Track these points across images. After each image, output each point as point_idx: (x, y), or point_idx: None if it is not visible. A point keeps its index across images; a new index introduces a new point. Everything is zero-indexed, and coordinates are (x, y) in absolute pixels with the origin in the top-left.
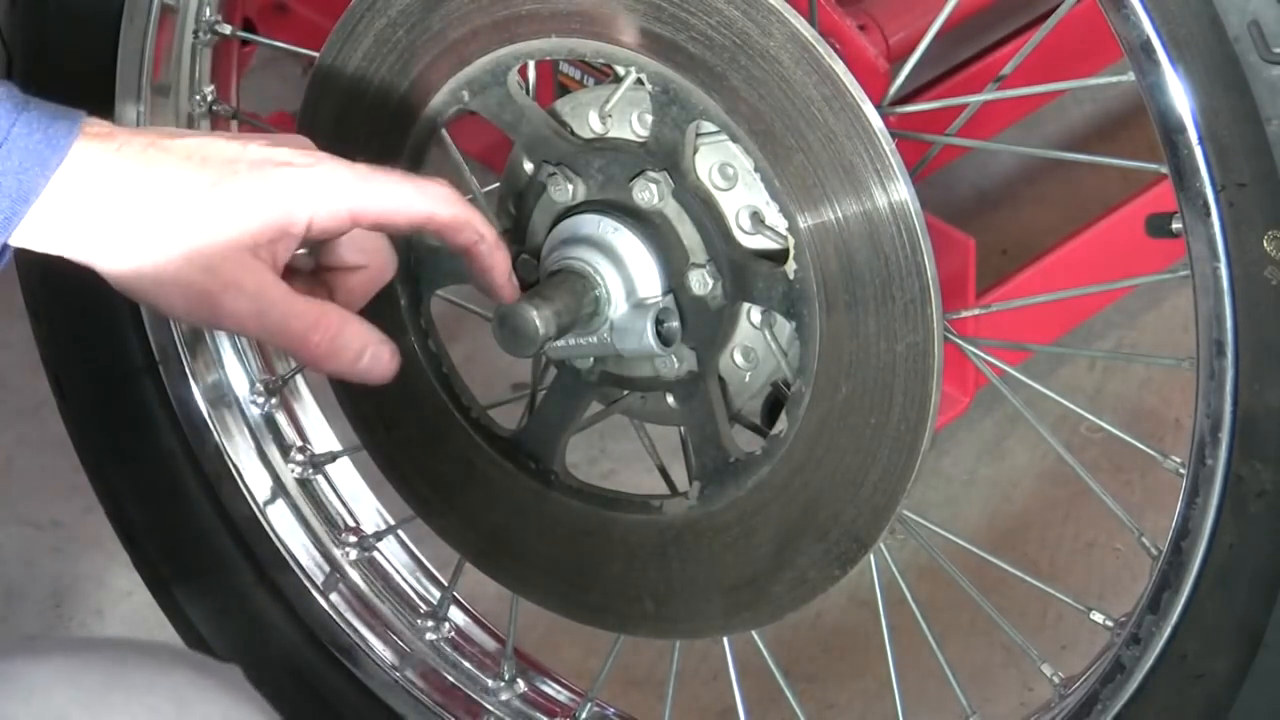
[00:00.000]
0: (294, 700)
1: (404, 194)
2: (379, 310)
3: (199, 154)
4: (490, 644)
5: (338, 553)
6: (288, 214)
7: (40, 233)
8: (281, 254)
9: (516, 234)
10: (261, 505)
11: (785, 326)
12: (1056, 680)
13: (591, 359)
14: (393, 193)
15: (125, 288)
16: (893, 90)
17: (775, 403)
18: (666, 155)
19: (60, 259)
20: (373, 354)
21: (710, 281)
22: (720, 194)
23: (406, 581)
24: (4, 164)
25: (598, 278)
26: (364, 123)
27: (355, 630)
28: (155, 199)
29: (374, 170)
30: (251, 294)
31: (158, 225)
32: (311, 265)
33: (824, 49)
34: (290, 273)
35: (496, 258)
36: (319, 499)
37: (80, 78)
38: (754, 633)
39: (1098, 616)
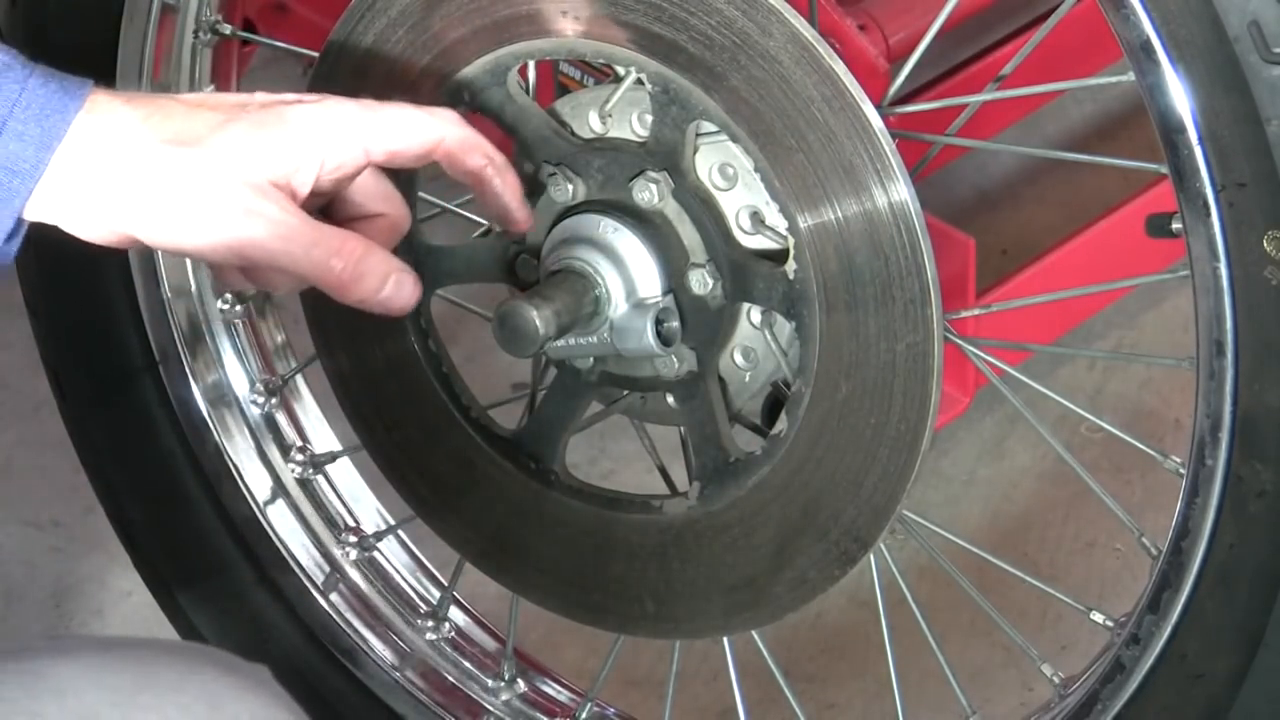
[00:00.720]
0: (295, 700)
1: (412, 118)
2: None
3: (208, 101)
4: (490, 644)
5: (338, 553)
6: (301, 146)
7: (63, 188)
8: (299, 187)
9: (516, 234)
10: (261, 505)
11: (785, 326)
12: (1056, 680)
13: (591, 359)
14: (401, 118)
15: (152, 232)
16: (893, 90)
17: (775, 403)
18: (666, 155)
19: (60, 260)
20: (396, 280)
21: (710, 281)
22: (720, 194)
23: (407, 581)
24: (25, 111)
25: (598, 278)
26: None
27: (355, 630)
28: (170, 141)
29: (380, 102)
30: (274, 220)
31: (174, 166)
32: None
33: (824, 49)
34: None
35: (508, 179)
36: (319, 499)
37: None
38: (754, 633)
39: (1098, 616)
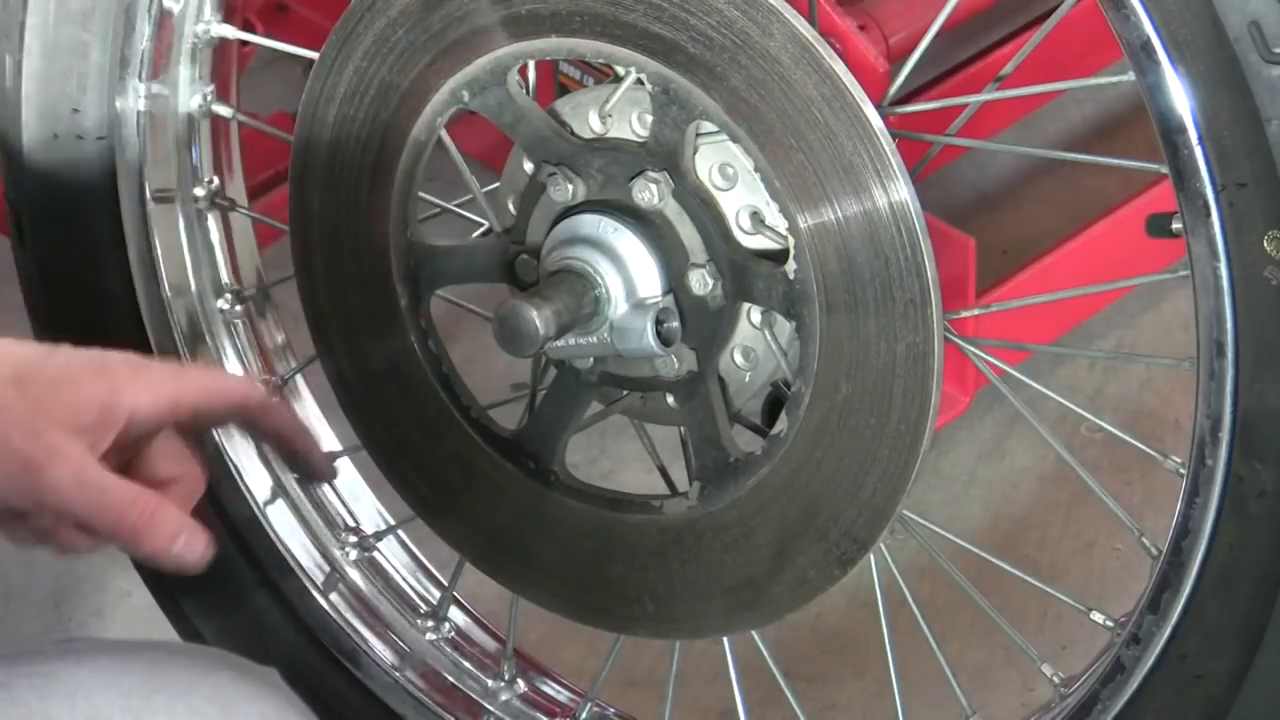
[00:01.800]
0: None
1: (218, 377)
2: (379, 312)
3: (27, 345)
4: (490, 644)
5: (338, 553)
6: (112, 395)
7: None
8: (102, 439)
9: (516, 234)
10: (261, 505)
11: (785, 327)
12: (1056, 680)
13: (591, 359)
14: (208, 377)
15: None
16: (893, 90)
17: (775, 403)
18: (666, 155)
19: (60, 261)
20: (187, 540)
21: (710, 281)
22: (720, 194)
23: (406, 581)
24: None
25: (598, 278)
26: (364, 123)
27: (355, 630)
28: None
29: (187, 366)
30: (75, 465)
31: None
32: None
33: (824, 49)
34: None
35: (307, 440)
36: (319, 499)
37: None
38: (754, 633)
39: (1098, 616)
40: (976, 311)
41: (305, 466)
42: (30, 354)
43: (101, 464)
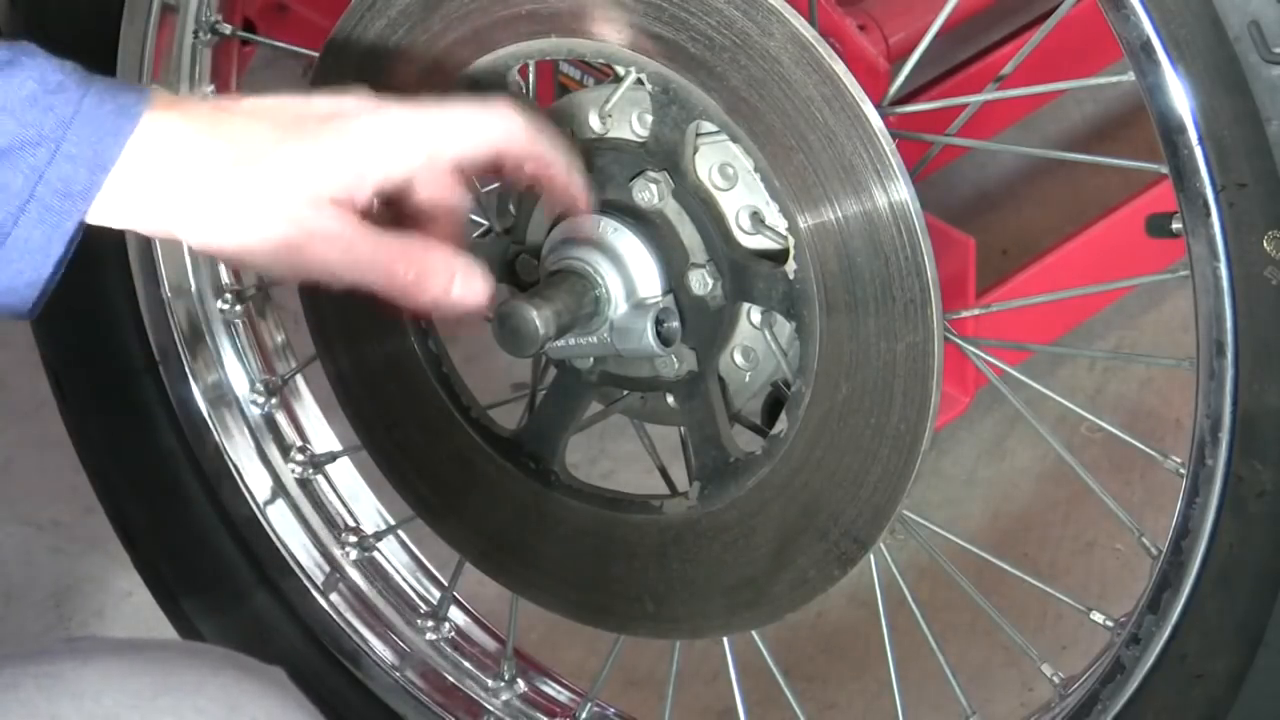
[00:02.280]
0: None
1: (474, 124)
2: (379, 312)
3: (265, 112)
4: (490, 644)
5: (338, 553)
6: (361, 161)
7: (118, 204)
8: (360, 197)
9: (516, 234)
10: (261, 505)
11: (785, 326)
12: (1056, 680)
13: (591, 359)
14: (463, 124)
15: (209, 249)
16: (893, 90)
17: (775, 403)
18: (666, 155)
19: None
20: (463, 282)
21: (710, 281)
22: (720, 194)
23: (406, 581)
24: (79, 133)
25: (598, 278)
26: None
27: (355, 630)
28: (228, 159)
29: (442, 104)
30: (334, 237)
31: (234, 185)
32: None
33: (824, 49)
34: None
35: (574, 178)
36: (319, 499)
37: None
38: (754, 633)
39: (1098, 616)
40: (976, 311)
41: (562, 208)
42: (267, 133)
43: (363, 221)
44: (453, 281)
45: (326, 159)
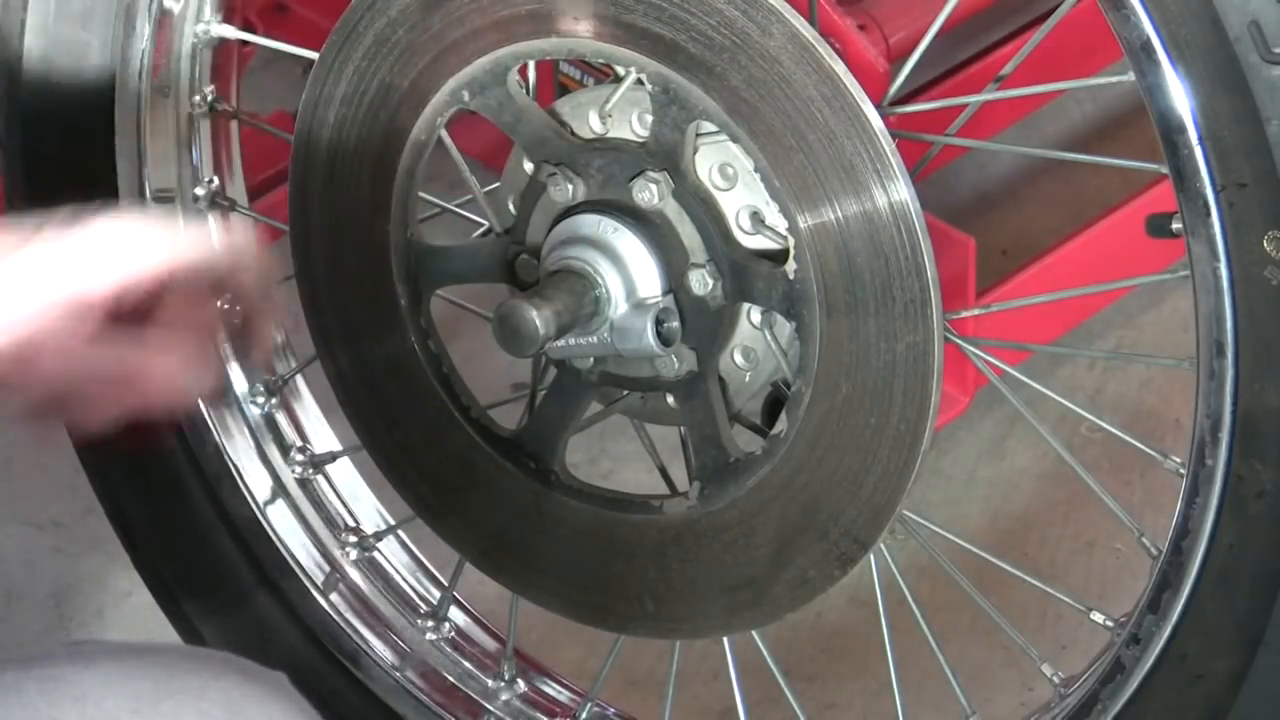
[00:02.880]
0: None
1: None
2: (379, 312)
3: (6, 224)
4: (490, 644)
5: (338, 553)
6: (100, 260)
7: None
8: (98, 300)
9: (516, 234)
10: (261, 505)
11: (785, 326)
12: (1056, 680)
13: (591, 359)
14: (199, 238)
15: None
16: (893, 90)
17: (775, 403)
18: (666, 155)
19: None
20: (172, 396)
21: (710, 281)
22: (720, 194)
23: (407, 581)
24: None
25: (598, 278)
26: (365, 123)
27: (355, 630)
28: None
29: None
30: (61, 341)
31: None
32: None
33: (824, 49)
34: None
35: (276, 315)
36: (319, 499)
37: (79, 78)
38: (754, 633)
39: (1098, 616)
40: (976, 311)
41: (248, 345)
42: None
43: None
44: (163, 397)
45: (63, 258)
